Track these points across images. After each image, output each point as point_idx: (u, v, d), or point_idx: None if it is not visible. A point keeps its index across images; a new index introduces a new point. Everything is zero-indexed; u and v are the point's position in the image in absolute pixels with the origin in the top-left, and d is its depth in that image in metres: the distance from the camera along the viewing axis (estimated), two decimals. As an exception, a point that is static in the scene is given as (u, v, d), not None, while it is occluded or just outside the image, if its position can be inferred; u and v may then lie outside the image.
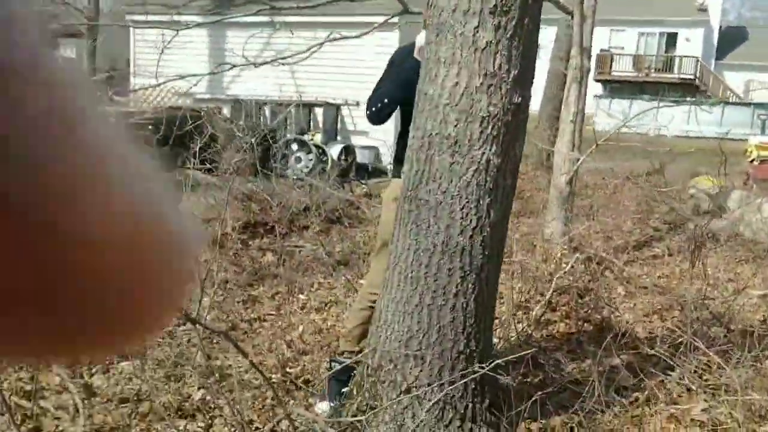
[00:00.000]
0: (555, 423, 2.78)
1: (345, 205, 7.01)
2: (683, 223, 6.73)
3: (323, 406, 2.95)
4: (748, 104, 22.79)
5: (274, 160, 7.92)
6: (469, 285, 2.42)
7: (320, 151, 9.97)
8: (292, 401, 3.03)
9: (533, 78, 2.44)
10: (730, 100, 26.56)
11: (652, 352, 3.45)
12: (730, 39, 31.20)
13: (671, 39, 29.61)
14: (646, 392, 3.15)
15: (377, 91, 2.89)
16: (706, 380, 3.24)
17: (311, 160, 9.79)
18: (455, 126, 2.33)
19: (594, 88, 31.73)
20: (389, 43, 10.58)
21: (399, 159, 3.01)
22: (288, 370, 3.39)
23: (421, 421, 2.44)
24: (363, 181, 9.56)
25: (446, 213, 2.38)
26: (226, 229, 5.84)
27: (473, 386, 2.51)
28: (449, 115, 2.34)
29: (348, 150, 10.60)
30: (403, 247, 2.48)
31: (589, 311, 4.29)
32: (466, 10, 2.28)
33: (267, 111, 10.63)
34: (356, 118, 11.42)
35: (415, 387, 2.46)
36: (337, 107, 11.31)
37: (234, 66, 6.81)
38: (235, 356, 3.52)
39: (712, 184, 7.63)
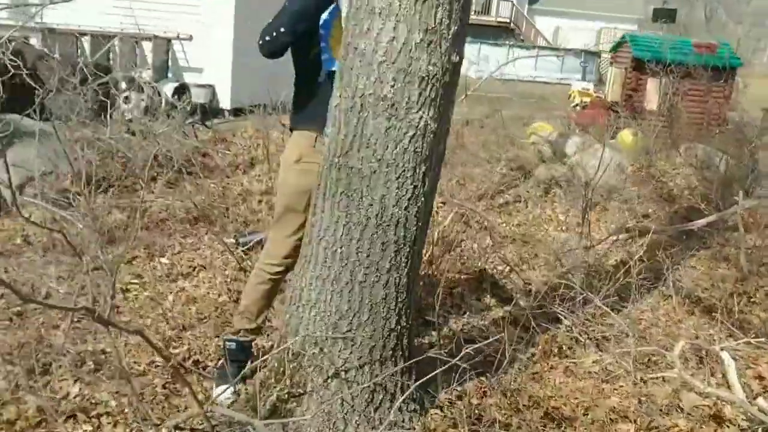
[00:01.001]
0: (469, 388, 2.75)
1: (192, 152, 6.46)
2: (529, 170, 7.05)
3: (223, 392, 2.68)
4: (557, 49, 24.46)
5: (107, 102, 7.02)
6: (403, 258, 2.26)
7: (152, 89, 9.10)
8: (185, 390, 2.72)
9: (466, 35, 2.26)
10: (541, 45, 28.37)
11: (536, 303, 3.54)
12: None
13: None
14: (540, 347, 3.24)
15: (272, 21, 2.57)
16: (592, 330, 3.40)
17: (143, 100, 8.91)
18: (392, 86, 2.10)
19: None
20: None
21: (298, 107, 2.73)
22: (172, 350, 3.04)
23: (351, 406, 2.27)
24: (207, 124, 8.91)
25: (381, 182, 2.17)
26: (65, 184, 5.16)
27: (402, 364, 2.38)
28: (385, 74, 2.10)
29: (183, 89, 9.79)
30: (330, 220, 2.24)
31: (465, 264, 4.33)
32: (405, -44, 2.02)
33: (86, 44, 9.44)
34: (189, 54, 10.55)
35: (344, 370, 2.27)
36: (168, 41, 10.35)
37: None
38: (104, 336, 3.10)
39: (550, 130, 8.06)
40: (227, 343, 2.84)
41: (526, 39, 30.23)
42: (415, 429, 2.39)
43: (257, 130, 8.08)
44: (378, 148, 2.15)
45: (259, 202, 5.61)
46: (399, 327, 2.33)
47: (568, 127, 10.25)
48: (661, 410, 2.72)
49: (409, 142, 2.15)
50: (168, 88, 9.42)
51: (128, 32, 9.47)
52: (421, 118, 2.14)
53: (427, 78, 2.11)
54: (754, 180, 6.16)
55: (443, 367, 2.46)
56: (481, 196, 6.21)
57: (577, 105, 11.00)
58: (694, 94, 9.42)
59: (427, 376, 2.40)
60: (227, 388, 2.65)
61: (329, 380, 2.28)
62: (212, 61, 10.44)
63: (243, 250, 4.31)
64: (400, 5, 2.06)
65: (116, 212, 4.97)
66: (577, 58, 23.10)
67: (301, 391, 2.29)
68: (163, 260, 4.22)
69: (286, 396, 2.29)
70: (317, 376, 2.29)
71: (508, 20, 30.26)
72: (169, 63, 10.52)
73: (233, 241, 4.41)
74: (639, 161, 7.18)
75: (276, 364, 2.36)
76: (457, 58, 2.17)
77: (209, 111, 10.03)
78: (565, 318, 3.43)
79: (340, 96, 2.21)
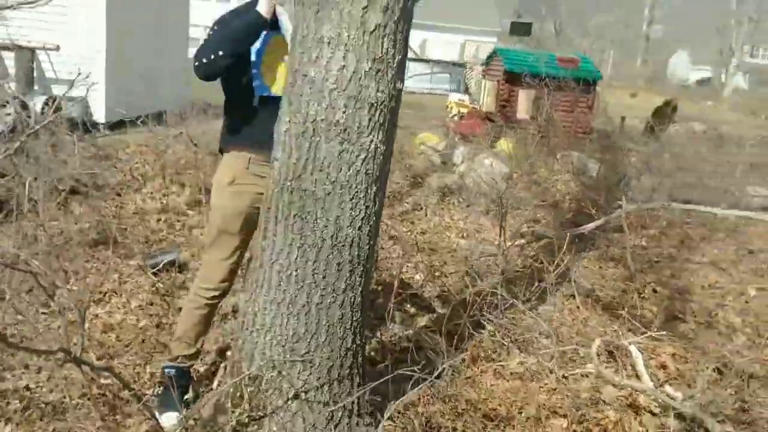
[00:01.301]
0: (412, 397, 2.84)
1: (80, 170, 6.10)
2: (423, 178, 7.30)
3: (171, 418, 2.62)
4: (427, 61, 25.26)
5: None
6: (357, 278, 2.32)
7: (19, 103, 8.47)
8: (128, 419, 2.61)
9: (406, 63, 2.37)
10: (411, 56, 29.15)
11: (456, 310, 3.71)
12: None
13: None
14: (468, 352, 3.40)
15: (205, 44, 2.56)
16: (513, 333, 3.60)
17: (9, 114, 8.27)
18: (344, 112, 2.16)
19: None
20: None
21: (230, 130, 2.73)
22: (102, 381, 2.90)
23: (313, 425, 2.30)
24: (96, 136, 8.42)
25: (335, 204, 2.22)
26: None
27: (358, 380, 2.44)
28: (337, 100, 2.16)
29: (52, 101, 9.18)
30: (284, 243, 2.26)
31: (381, 275, 4.43)
32: (355, -13, 2.09)
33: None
34: (57, 65, 9.93)
35: (304, 391, 2.30)
36: (32, 51, 9.67)
37: None
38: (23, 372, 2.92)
39: (437, 140, 8.38)
40: (167, 369, 2.77)
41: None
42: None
43: (144, 144, 7.78)
44: (332, 170, 2.20)
45: (158, 221, 5.42)
46: (354, 345, 2.38)
47: (447, 136, 10.68)
48: (587, 404, 2.95)
49: (362, 164, 2.22)
50: (38, 102, 8.82)
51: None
52: (371, 141, 2.22)
53: (376, 104, 2.19)
54: (625, 184, 6.75)
55: (382, 379, 2.55)
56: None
57: (454, 115, 11.46)
58: (563, 105, 10.14)
59: (367, 387, 2.47)
60: (173, 414, 2.61)
61: (289, 401, 2.29)
62: (83, 72, 9.89)
63: (153, 272, 4.16)
64: (348, 35, 2.12)
65: (4, 239, 4.62)
66: (444, 69, 23.97)
67: (261, 414, 2.29)
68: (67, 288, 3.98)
69: (246, 420, 2.27)
70: (277, 398, 2.30)
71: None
72: (35, 74, 9.85)
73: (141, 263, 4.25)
74: (521, 168, 7.63)
75: (231, 390, 2.34)
76: (401, 84, 2.27)
77: (83, 125, 9.48)
78: (488, 323, 3.61)
79: (289, 121, 2.23)
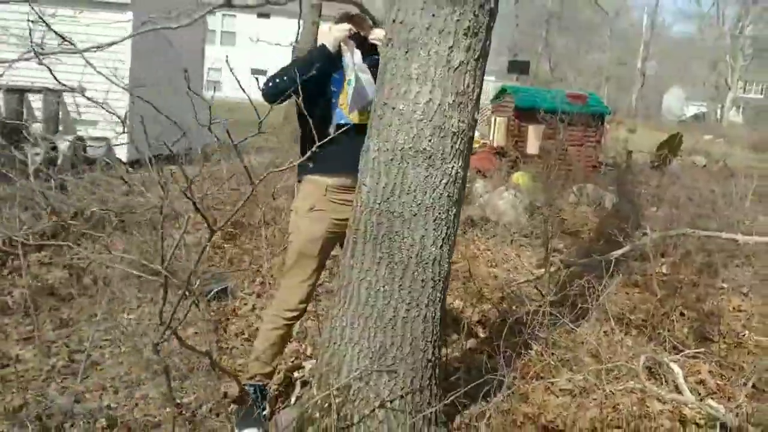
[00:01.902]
0: (474, 411, 3.01)
1: (119, 207, 6.31)
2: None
3: None
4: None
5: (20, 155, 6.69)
6: (438, 294, 2.51)
7: (48, 144, 8.73)
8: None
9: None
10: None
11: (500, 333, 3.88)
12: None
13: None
14: (519, 371, 3.57)
15: (276, 72, 2.86)
16: (559, 353, 3.78)
17: (38, 154, 8.52)
18: (429, 141, 2.39)
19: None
20: (119, 18, 9.70)
21: (314, 165, 2.92)
22: (182, 400, 3.06)
23: (396, 432, 2.47)
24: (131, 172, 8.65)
25: (421, 224, 2.42)
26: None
27: (436, 391, 2.61)
28: (423, 130, 2.38)
29: (79, 142, 9.44)
30: (372, 261, 2.46)
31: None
32: (441, 30, 2.34)
33: (-33, 98, 8.92)
34: (82, 107, 10.21)
35: (389, 401, 2.47)
36: (59, 93, 9.97)
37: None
38: (97, 391, 3.07)
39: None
40: (246, 387, 2.92)
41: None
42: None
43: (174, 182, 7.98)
44: (418, 193, 2.41)
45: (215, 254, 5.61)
46: (434, 357, 2.56)
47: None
48: (637, 417, 3.12)
49: (444, 188, 2.43)
50: (64, 142, 9.08)
51: (14, 84, 9.07)
52: (453, 167, 2.43)
53: (457, 133, 2.42)
54: (641, 215, 6.97)
55: (456, 392, 2.72)
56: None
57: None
58: (572, 139, 10.44)
59: (447, 399, 2.64)
60: (253, 430, 2.76)
61: (376, 411, 2.46)
62: (106, 113, 10.17)
63: (207, 300, 4.34)
64: (435, 72, 2.36)
65: (56, 270, 4.81)
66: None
67: (349, 423, 2.45)
68: (130, 316, 4.16)
69: (335, 429, 2.44)
70: (363, 408, 2.47)
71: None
72: (60, 116, 10.13)
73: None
74: (539, 200, 7.86)
75: (319, 401, 2.50)
76: (478, 115, 2.50)
77: (107, 164, 9.72)
78: (534, 342, 3.79)
79: (378, 150, 2.45)
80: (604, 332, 4.35)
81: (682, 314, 4.76)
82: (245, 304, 4.46)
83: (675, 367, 3.52)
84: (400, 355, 2.47)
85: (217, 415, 2.97)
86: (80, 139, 9.52)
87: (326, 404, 2.49)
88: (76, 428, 2.73)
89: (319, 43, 2.88)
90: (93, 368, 3.43)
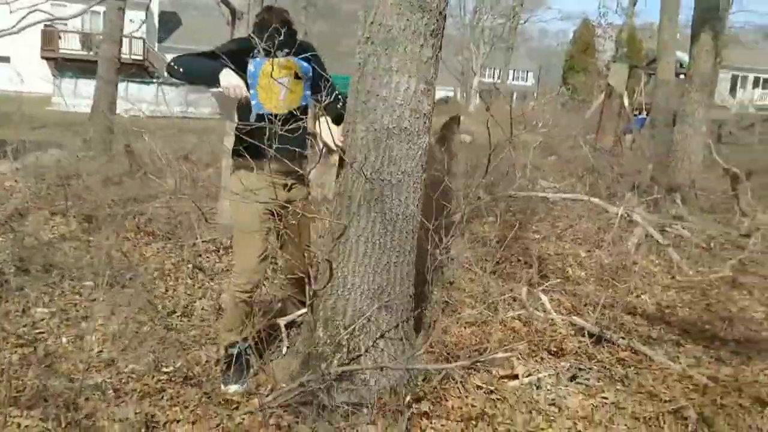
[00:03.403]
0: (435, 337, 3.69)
1: None
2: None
3: (236, 388, 3.17)
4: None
5: None
6: (413, 243, 3.14)
7: None
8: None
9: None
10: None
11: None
12: (167, 23, 33.56)
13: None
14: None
15: (187, 55, 3.15)
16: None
17: None
18: (408, 121, 3.00)
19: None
20: None
21: (237, 145, 3.18)
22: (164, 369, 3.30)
23: (393, 357, 3.07)
24: None
25: (404, 188, 3.03)
26: None
27: (414, 319, 3.25)
28: (404, 112, 2.98)
29: None
30: (367, 220, 3.01)
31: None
32: (413, 31, 2.95)
33: None
34: None
35: (387, 331, 3.06)
36: None
37: None
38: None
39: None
40: (230, 350, 3.27)
41: (162, 76, 30.47)
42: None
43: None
44: (401, 164, 3.01)
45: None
46: (412, 292, 3.20)
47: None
48: (530, 332, 4.05)
49: (419, 158, 3.07)
50: None
51: None
52: (424, 141, 3.08)
53: (426, 114, 3.06)
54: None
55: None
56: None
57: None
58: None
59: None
60: (239, 384, 3.18)
61: (377, 341, 3.03)
62: None
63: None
64: (410, 65, 2.97)
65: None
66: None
67: (358, 354, 3.00)
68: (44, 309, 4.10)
69: (347, 360, 2.97)
70: (367, 340, 3.02)
71: (141, 57, 30.10)
72: None
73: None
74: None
75: (327, 339, 3.01)
76: (435, 99, 3.17)
77: None
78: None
79: (365, 130, 3.00)
80: (470, 278, 5.30)
81: (518, 260, 5.89)
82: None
83: (542, 296, 4.54)
84: (393, 293, 3.07)
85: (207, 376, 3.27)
86: None
87: (336, 341, 3.00)
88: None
89: (223, 79, 3.01)
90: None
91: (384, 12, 2.95)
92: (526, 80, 56.06)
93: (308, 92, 3.32)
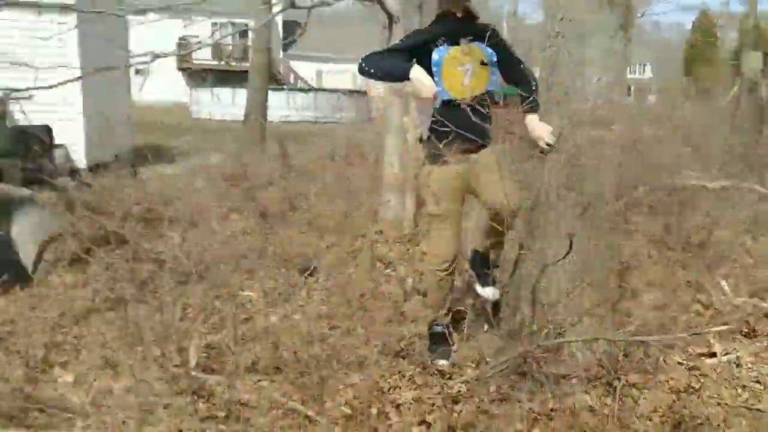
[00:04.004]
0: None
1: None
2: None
3: (444, 362, 3.44)
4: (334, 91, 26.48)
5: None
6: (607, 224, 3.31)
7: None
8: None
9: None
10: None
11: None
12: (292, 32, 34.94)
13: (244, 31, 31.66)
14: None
15: (375, 55, 3.34)
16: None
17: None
18: (601, 111, 3.17)
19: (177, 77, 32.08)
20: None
21: (428, 129, 3.43)
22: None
23: (594, 330, 3.24)
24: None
25: (602, 174, 3.22)
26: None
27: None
28: (597, 102, 3.17)
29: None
30: (565, 207, 3.22)
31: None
32: (605, 25, 3.14)
33: None
34: (30, 114, 9.92)
35: (588, 309, 3.23)
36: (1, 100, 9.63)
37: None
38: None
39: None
40: (435, 327, 3.56)
41: (286, 81, 31.87)
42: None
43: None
44: (595, 150, 3.19)
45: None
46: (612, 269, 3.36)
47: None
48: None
49: (610, 144, 3.22)
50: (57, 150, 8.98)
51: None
52: (616, 129, 3.23)
53: (617, 104, 3.22)
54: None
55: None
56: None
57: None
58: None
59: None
60: (446, 359, 3.44)
61: (581, 318, 3.21)
62: (59, 118, 10.00)
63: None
64: (601, 58, 3.14)
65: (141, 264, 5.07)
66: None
67: (564, 329, 3.19)
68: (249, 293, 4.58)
69: (555, 333, 3.15)
70: (572, 317, 3.21)
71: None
72: (7, 123, 9.81)
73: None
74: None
75: (537, 316, 3.21)
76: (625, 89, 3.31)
77: (71, 172, 9.59)
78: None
79: (561, 118, 3.20)
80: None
81: (682, 248, 5.83)
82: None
83: (722, 281, 4.53)
84: (594, 272, 3.24)
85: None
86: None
87: (542, 316, 3.20)
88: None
89: (413, 78, 3.18)
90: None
91: (575, 8, 3.15)
92: (643, 73, 53.79)
93: (494, 77, 3.43)
